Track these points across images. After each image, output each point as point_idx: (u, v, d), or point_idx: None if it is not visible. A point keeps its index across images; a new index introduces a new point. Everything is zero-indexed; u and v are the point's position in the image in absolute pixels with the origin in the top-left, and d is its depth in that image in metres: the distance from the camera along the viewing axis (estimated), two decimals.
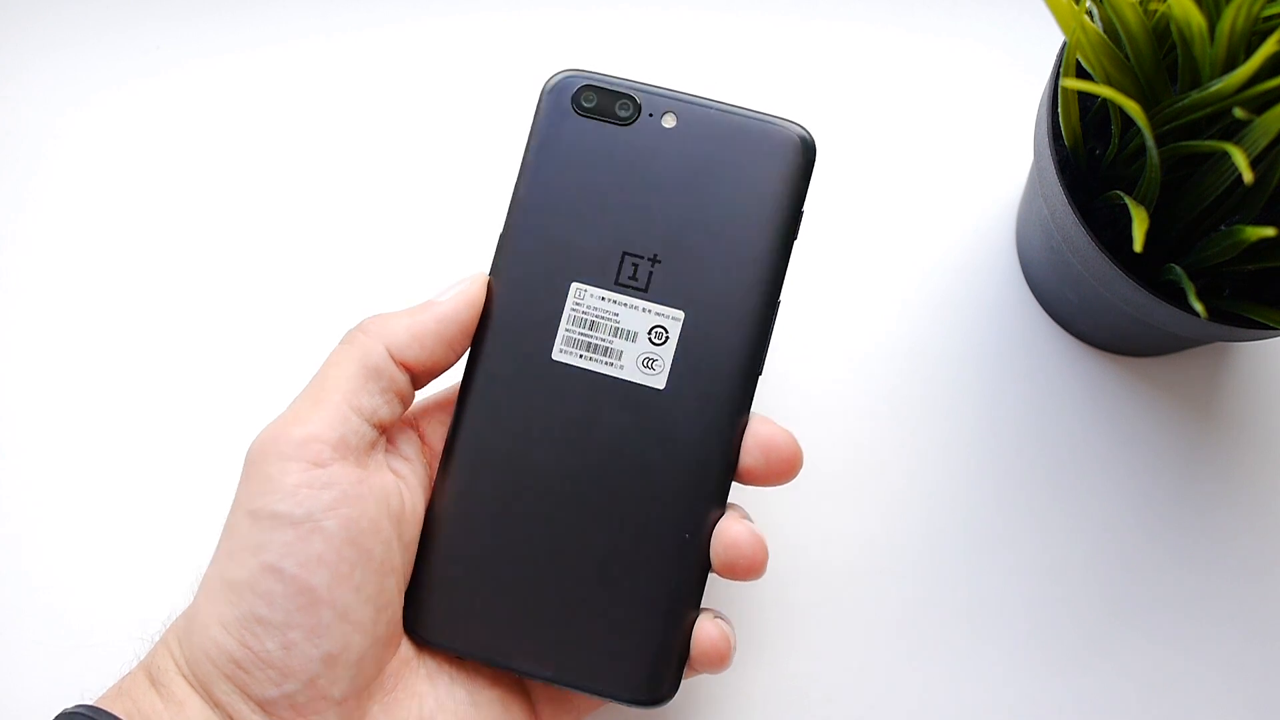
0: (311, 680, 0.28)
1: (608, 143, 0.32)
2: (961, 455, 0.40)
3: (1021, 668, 0.38)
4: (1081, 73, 0.32)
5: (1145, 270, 0.33)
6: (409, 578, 0.31)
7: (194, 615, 0.29)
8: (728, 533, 0.31)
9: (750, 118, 0.32)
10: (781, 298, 0.32)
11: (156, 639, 0.30)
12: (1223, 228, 0.32)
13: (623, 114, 0.32)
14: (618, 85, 0.32)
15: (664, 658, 0.31)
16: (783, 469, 0.32)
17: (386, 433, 0.31)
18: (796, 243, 0.32)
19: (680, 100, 0.32)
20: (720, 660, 0.31)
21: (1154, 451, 0.40)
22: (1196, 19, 0.28)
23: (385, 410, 0.30)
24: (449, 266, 0.40)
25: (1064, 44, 0.32)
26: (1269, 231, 0.28)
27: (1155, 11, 0.30)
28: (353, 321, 0.36)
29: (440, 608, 0.31)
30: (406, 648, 0.31)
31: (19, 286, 0.41)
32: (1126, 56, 0.30)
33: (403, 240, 0.42)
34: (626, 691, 0.31)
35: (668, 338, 0.31)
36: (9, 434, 0.40)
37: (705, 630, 0.31)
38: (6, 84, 0.43)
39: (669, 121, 0.32)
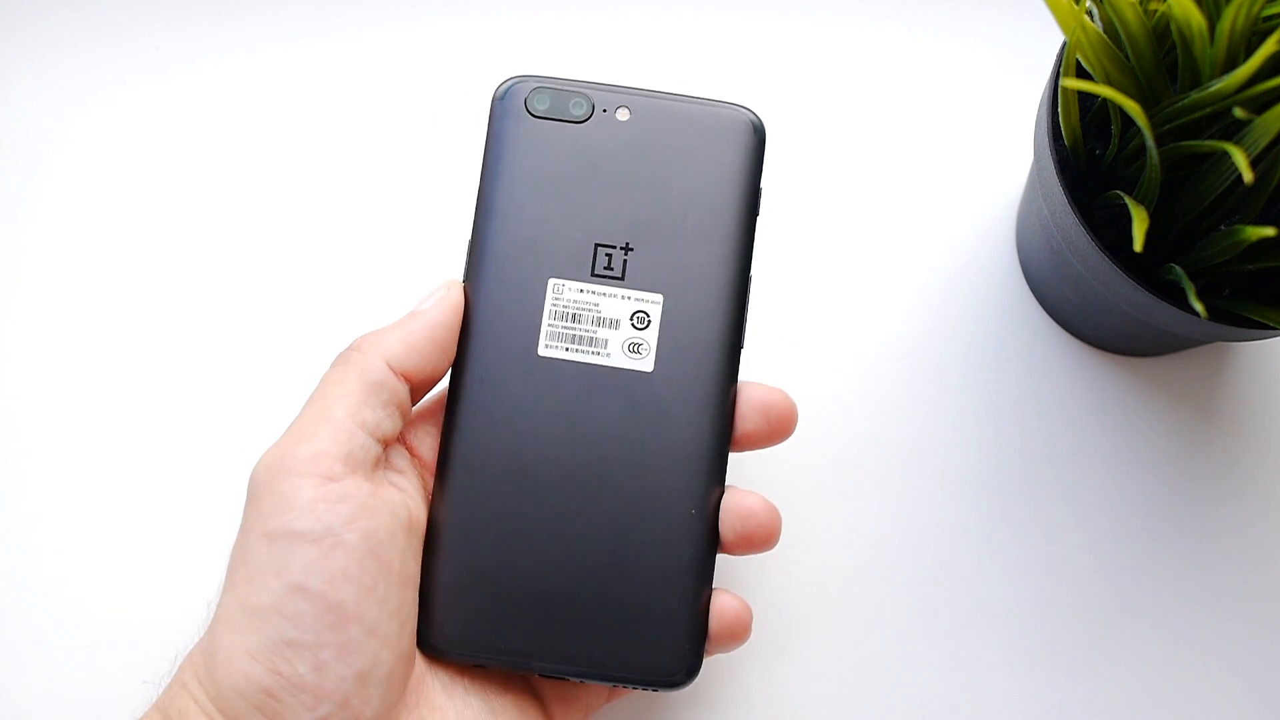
0: (345, 700, 0.27)
1: (566, 141, 0.33)
2: (961, 455, 0.40)
3: (1022, 666, 0.38)
4: (1081, 73, 0.32)
5: (1145, 270, 0.33)
6: None
7: (214, 649, 0.28)
8: (740, 504, 0.31)
9: (700, 104, 0.33)
10: (752, 273, 0.33)
11: (167, 680, 0.29)
12: (1223, 228, 0.32)
13: (576, 112, 0.33)
14: (568, 85, 0.33)
15: (685, 636, 0.31)
16: (783, 425, 0.32)
17: (387, 447, 0.31)
18: (760, 219, 0.33)
19: (631, 94, 0.33)
20: (741, 633, 0.31)
21: (1154, 451, 0.40)
22: (1196, 19, 0.28)
23: (388, 424, 0.30)
24: (423, 270, 0.40)
25: (1064, 44, 0.32)
26: (1269, 231, 0.28)
27: (1155, 11, 0.30)
28: (347, 320, 0.36)
29: (454, 618, 0.31)
30: (421, 662, 0.31)
31: (19, 287, 0.41)
32: (1126, 56, 0.30)
33: (394, 241, 0.42)
34: (651, 675, 0.31)
35: (650, 321, 0.32)
36: (10, 434, 0.40)
37: (725, 603, 0.31)
38: (6, 84, 0.43)
39: (623, 115, 0.33)
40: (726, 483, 0.32)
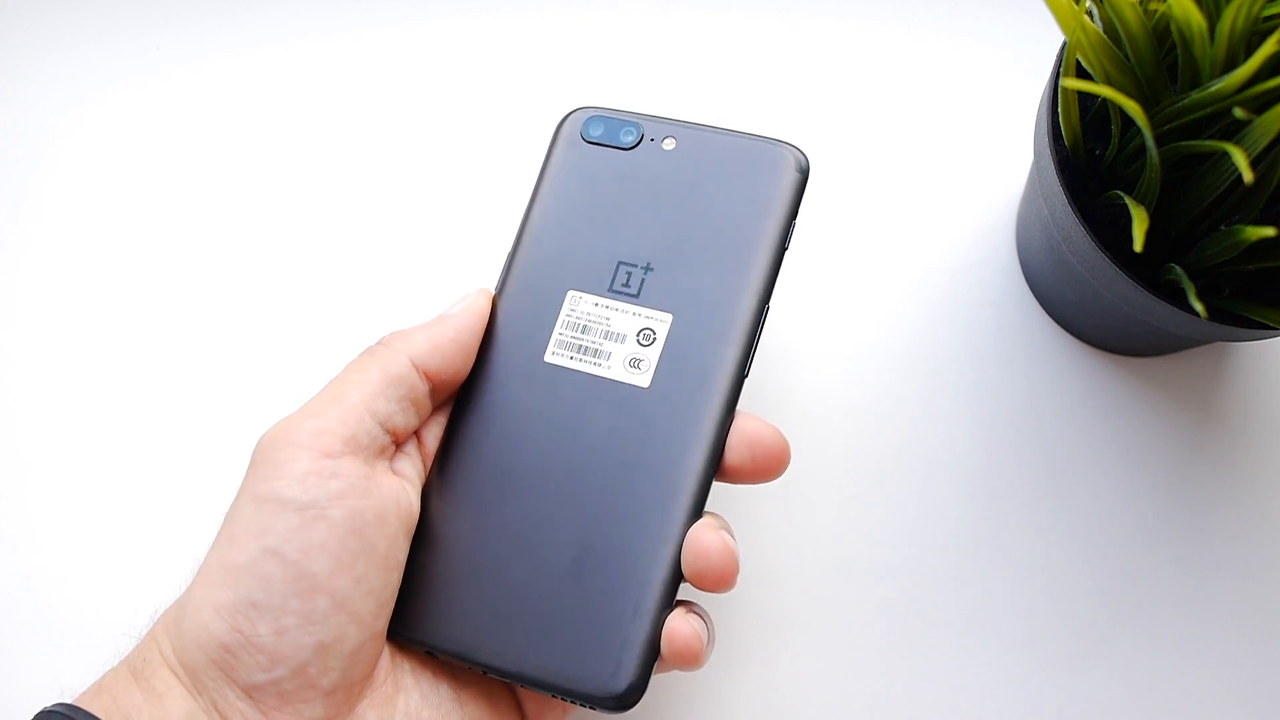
0: (301, 668, 0.28)
1: (611, 166, 0.34)
2: (961, 455, 0.40)
3: (1020, 669, 0.38)
4: (1081, 73, 0.32)
5: (1145, 270, 0.33)
6: None
7: (186, 603, 0.28)
8: (699, 541, 0.30)
9: (747, 139, 0.34)
10: (770, 305, 0.33)
11: (145, 633, 0.30)
12: (1223, 228, 0.32)
13: (626, 140, 0.34)
14: (624, 115, 0.35)
15: (629, 656, 0.30)
16: (769, 465, 0.31)
17: (399, 442, 0.32)
18: (788, 253, 0.33)
19: (681, 126, 0.34)
20: (691, 658, 0.30)
21: (1154, 451, 0.40)
22: (1196, 19, 0.28)
23: (400, 418, 0.31)
24: (448, 274, 0.41)
25: (1064, 44, 0.32)
26: (1269, 231, 0.28)
27: (1155, 11, 0.30)
28: (353, 321, 0.36)
29: (410, 602, 0.31)
30: (394, 644, 0.31)
31: (19, 286, 0.41)
32: (1126, 56, 0.30)
33: (401, 241, 0.42)
34: (588, 691, 0.30)
35: (655, 339, 0.32)
36: (9, 434, 0.40)
37: (675, 627, 0.30)
38: (7, 84, 0.43)
39: (669, 145, 0.34)
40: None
